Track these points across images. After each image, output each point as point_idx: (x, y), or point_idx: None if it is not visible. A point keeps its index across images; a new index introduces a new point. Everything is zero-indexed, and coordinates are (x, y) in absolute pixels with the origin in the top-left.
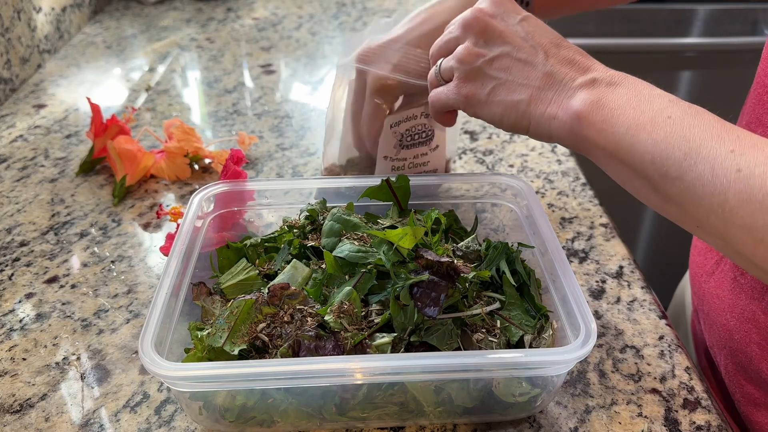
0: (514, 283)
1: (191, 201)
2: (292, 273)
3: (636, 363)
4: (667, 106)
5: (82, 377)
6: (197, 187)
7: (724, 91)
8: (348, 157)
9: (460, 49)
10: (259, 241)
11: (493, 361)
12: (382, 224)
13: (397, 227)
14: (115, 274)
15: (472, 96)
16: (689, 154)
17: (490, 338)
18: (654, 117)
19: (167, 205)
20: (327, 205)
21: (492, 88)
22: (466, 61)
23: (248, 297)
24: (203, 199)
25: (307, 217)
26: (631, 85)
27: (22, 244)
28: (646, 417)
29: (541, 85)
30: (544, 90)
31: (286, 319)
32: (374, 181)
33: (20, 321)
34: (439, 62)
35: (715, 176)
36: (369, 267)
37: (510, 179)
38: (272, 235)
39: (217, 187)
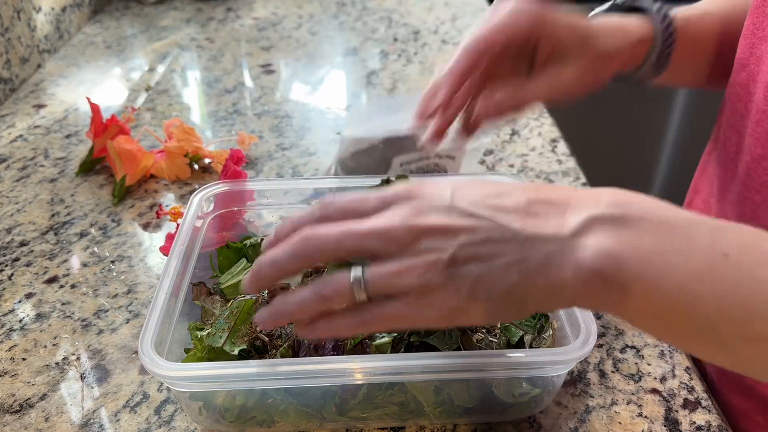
0: None
1: (191, 201)
2: None
3: (636, 363)
4: (714, 238)
5: (82, 377)
6: (197, 187)
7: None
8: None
9: (402, 266)
10: (259, 241)
11: (494, 361)
12: None
13: None
14: (114, 274)
15: (451, 309)
16: None
17: (491, 338)
18: (708, 259)
19: (167, 205)
20: None
21: (470, 289)
22: (419, 274)
23: (248, 297)
24: (203, 199)
25: None
26: (646, 213)
27: (22, 244)
28: (646, 417)
29: (524, 255)
30: (531, 259)
31: None
32: (374, 181)
33: (20, 321)
34: (356, 272)
35: None
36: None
37: (510, 179)
38: None
39: (217, 187)
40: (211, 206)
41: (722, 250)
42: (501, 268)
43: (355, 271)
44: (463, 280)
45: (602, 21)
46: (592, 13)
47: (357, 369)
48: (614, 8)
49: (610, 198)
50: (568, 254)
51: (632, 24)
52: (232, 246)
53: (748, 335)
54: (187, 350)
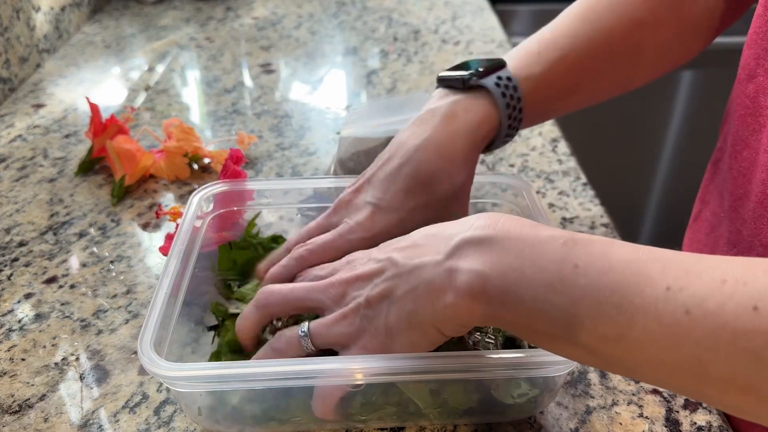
0: None
1: (191, 200)
2: None
3: None
4: (566, 252)
5: (81, 378)
6: (196, 186)
7: (724, 91)
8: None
9: (336, 316)
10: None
11: (494, 361)
12: None
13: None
14: (114, 274)
15: (377, 346)
16: (621, 306)
17: (487, 339)
18: (559, 271)
19: (166, 205)
20: None
21: (385, 324)
22: (348, 322)
23: None
24: (203, 199)
25: None
26: (508, 233)
27: (21, 244)
28: (647, 418)
29: (413, 284)
30: (418, 286)
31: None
32: None
33: (19, 321)
34: (303, 327)
35: (664, 325)
36: None
37: (510, 179)
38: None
39: (216, 187)
40: (211, 206)
41: (573, 261)
42: (399, 299)
43: (303, 326)
44: (378, 320)
45: (441, 152)
46: (441, 74)
47: (356, 369)
48: (460, 83)
49: (479, 222)
50: (446, 278)
51: (476, 122)
52: (235, 245)
53: (601, 336)
54: (213, 356)
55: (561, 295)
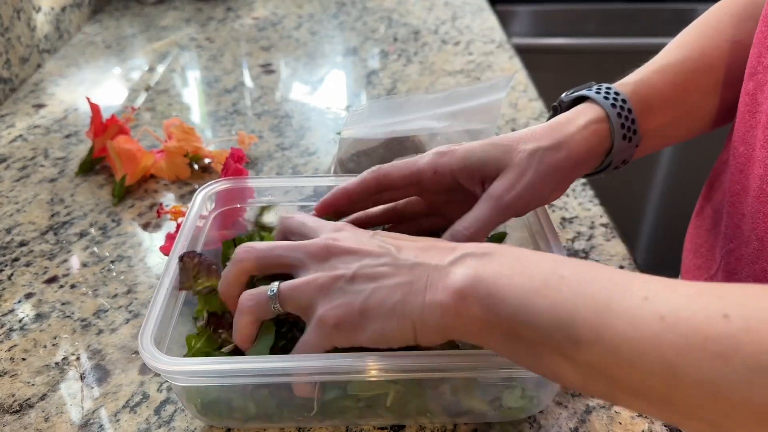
0: None
1: (195, 198)
2: None
3: None
4: (556, 266)
5: (82, 377)
6: (197, 186)
7: None
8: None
9: (309, 278)
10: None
11: (493, 361)
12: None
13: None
14: (114, 274)
15: (344, 320)
16: (598, 311)
17: None
18: (546, 279)
19: (167, 205)
20: None
21: (363, 303)
22: (321, 284)
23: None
24: (206, 197)
25: None
26: (508, 252)
27: (22, 244)
28: (646, 417)
29: (410, 278)
30: (415, 282)
31: None
32: None
33: (20, 321)
34: (273, 286)
35: (638, 330)
36: None
37: None
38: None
39: (220, 184)
40: (213, 204)
41: (560, 272)
42: (390, 287)
43: (272, 286)
44: (356, 296)
45: (542, 124)
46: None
47: (361, 367)
48: (559, 109)
49: (486, 244)
50: (442, 278)
51: (576, 112)
52: (239, 240)
53: (577, 340)
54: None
55: (543, 298)
